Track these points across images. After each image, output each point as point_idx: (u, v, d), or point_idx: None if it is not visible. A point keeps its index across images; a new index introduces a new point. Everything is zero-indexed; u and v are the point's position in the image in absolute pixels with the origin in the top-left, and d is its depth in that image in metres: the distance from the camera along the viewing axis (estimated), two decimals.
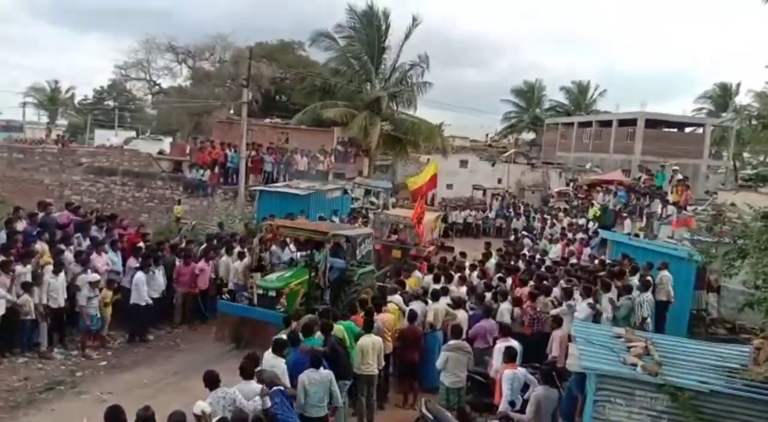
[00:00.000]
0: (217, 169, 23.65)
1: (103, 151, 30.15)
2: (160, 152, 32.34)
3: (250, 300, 11.96)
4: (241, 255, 13.56)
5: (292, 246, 14.31)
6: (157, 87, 52.94)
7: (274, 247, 13.90)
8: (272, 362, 7.64)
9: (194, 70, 49.12)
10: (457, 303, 10.65)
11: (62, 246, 12.05)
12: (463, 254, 16.82)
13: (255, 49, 38.66)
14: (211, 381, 6.60)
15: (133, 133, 53.06)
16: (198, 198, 23.09)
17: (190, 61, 49.48)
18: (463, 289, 12.15)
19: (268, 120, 35.92)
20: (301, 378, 7.47)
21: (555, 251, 18.76)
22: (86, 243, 12.85)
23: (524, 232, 24.64)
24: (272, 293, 11.60)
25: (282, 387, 6.94)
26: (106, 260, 12.35)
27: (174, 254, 13.40)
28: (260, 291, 11.80)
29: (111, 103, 62.29)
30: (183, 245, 14.29)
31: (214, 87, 45.18)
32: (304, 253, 13.61)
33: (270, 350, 7.85)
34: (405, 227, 19.28)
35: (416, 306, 10.44)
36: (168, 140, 41.90)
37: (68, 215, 14.33)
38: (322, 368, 7.53)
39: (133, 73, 52.37)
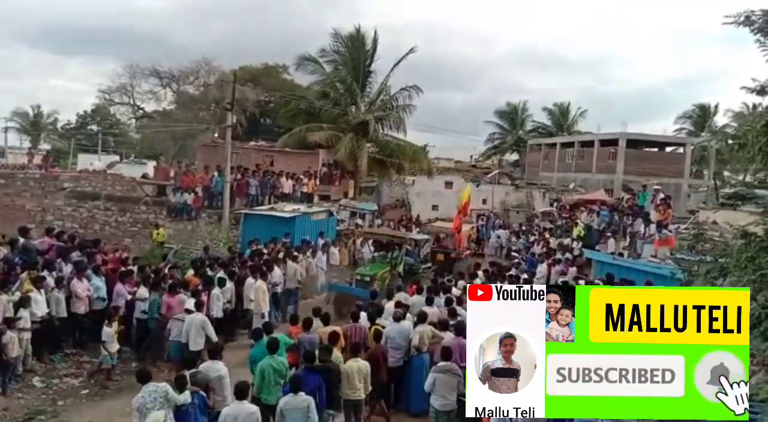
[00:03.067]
0: (201, 192, 23.56)
1: (86, 175, 29.91)
2: (144, 176, 32.07)
3: (350, 283, 17.05)
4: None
5: (371, 246, 20.46)
6: (141, 111, 53.05)
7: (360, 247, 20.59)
8: (213, 367, 8.24)
9: (178, 93, 49.30)
10: (444, 325, 10.61)
11: (44, 273, 11.88)
12: (460, 274, 16.94)
13: (239, 72, 38.84)
14: (143, 378, 7.40)
15: (116, 158, 52.71)
16: (182, 222, 22.96)
17: (175, 84, 49.69)
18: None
19: (252, 143, 35.92)
20: (280, 403, 7.57)
21: (540, 271, 18.81)
22: (68, 268, 12.68)
23: (514, 253, 24.76)
24: (367, 278, 16.72)
25: (202, 393, 7.63)
26: (88, 286, 12.20)
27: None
28: (358, 277, 17.11)
29: (94, 127, 61.99)
30: (166, 270, 14.07)
31: (199, 110, 45.31)
32: (379, 253, 19.63)
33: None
34: (446, 236, 23.36)
35: (387, 324, 10.53)
36: (152, 164, 41.65)
37: (49, 241, 14.17)
38: (302, 393, 7.55)
39: (116, 98, 52.58)
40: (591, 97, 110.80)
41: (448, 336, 10.36)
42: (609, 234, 22.14)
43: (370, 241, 20.57)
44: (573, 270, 18.52)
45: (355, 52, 31.91)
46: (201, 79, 48.89)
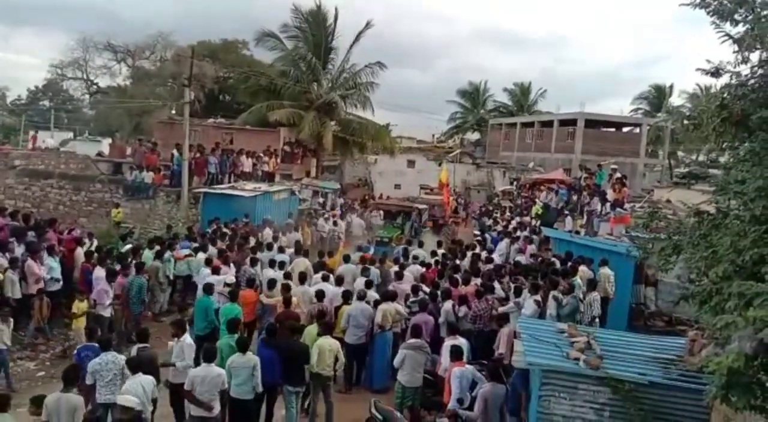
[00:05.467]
0: (162, 171, 23.07)
1: (38, 153, 28.97)
2: (99, 154, 31.28)
3: (370, 243, 20.25)
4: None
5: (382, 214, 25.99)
6: (95, 86, 51.32)
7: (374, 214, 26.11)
8: None
9: (134, 69, 47.82)
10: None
11: None
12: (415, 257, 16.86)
13: (197, 47, 37.93)
14: (103, 344, 8.02)
15: (70, 134, 51.20)
16: (139, 201, 22.45)
17: (130, 59, 48.16)
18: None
19: (211, 120, 35.22)
20: (227, 361, 7.97)
21: (501, 248, 18.99)
22: (20, 249, 12.32)
23: (476, 231, 25.02)
24: (386, 239, 21.48)
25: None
26: (43, 266, 11.88)
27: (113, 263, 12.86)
28: (378, 239, 21.65)
29: (47, 103, 59.90)
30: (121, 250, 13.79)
31: (155, 86, 44.06)
32: (387, 220, 25.14)
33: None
34: (434, 206, 29.05)
35: (324, 287, 11.22)
36: (107, 141, 40.58)
37: (1, 221, 13.71)
38: (249, 353, 8.04)
39: (69, 72, 50.64)
40: (551, 78, 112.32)
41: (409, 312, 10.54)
42: (566, 212, 22.52)
43: (381, 211, 26.42)
44: (531, 247, 18.77)
45: (317, 29, 31.47)
46: (157, 53, 47.43)
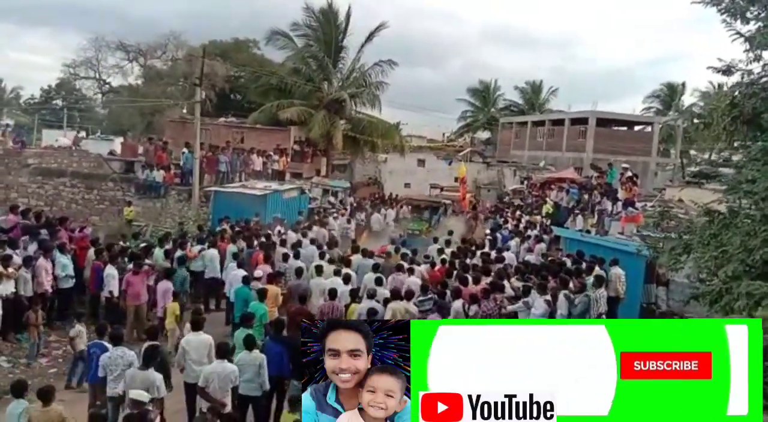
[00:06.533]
0: (173, 170, 23.21)
1: (51, 152, 29.20)
2: (111, 153, 31.42)
3: (400, 236, 21.63)
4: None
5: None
6: (108, 86, 51.72)
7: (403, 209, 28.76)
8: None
9: (146, 68, 48.11)
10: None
11: (9, 251, 11.61)
12: (414, 251, 16.77)
13: (208, 47, 38.10)
14: (115, 339, 8.13)
15: (82, 133, 51.49)
16: (150, 199, 22.60)
17: (141, 59, 48.47)
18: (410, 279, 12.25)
19: (222, 119, 35.37)
20: (235, 359, 8.02)
21: (511, 248, 18.89)
22: (33, 247, 12.42)
23: (488, 231, 24.91)
24: (417, 231, 23.30)
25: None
26: (51, 264, 11.96)
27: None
28: (409, 231, 23.47)
29: (59, 102, 60.34)
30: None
31: (167, 86, 44.31)
32: (415, 214, 28.65)
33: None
34: (453, 202, 30.81)
35: (336, 283, 11.29)
36: (119, 140, 40.78)
37: (14, 219, 13.84)
38: (256, 351, 8.12)
39: (82, 72, 51.12)
40: (562, 76, 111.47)
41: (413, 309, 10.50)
42: (577, 211, 22.41)
43: (410, 206, 29.70)
44: (540, 246, 18.66)
45: (328, 27, 31.50)
46: (169, 53, 47.72)
